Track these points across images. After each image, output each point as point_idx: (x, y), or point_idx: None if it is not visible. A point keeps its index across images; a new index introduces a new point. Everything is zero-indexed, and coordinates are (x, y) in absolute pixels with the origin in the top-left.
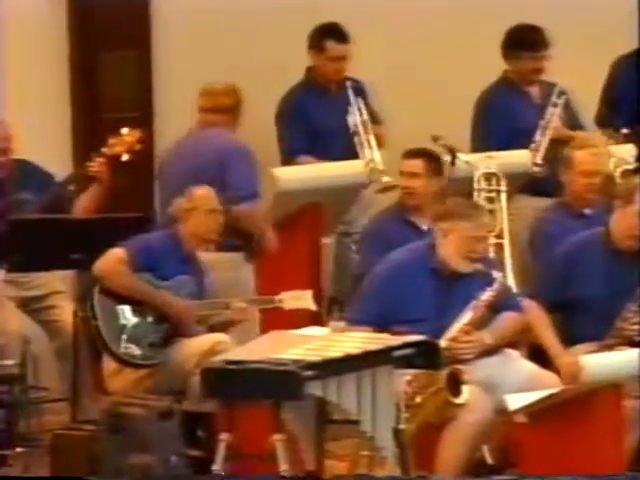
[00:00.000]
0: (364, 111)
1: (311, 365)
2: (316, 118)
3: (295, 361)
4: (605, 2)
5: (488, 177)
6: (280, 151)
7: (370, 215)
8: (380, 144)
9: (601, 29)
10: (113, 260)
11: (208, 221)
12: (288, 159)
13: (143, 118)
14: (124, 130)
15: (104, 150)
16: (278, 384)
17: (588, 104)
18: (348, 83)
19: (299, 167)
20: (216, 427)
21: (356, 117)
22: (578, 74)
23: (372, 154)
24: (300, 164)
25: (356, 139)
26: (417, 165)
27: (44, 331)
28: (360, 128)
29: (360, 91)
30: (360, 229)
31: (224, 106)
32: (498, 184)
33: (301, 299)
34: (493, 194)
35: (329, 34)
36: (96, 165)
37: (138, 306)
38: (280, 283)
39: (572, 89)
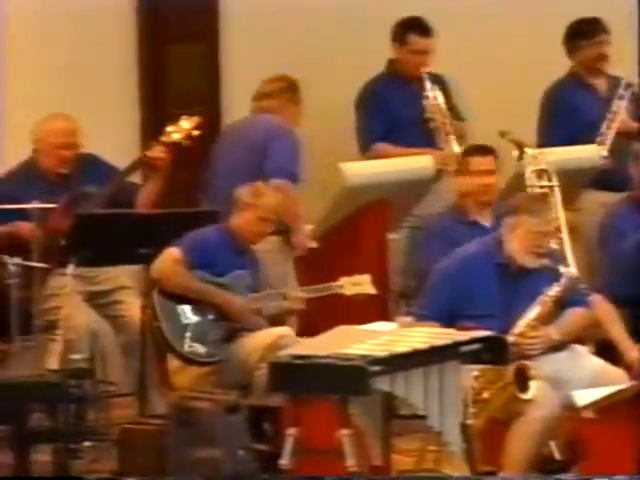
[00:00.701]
0: (440, 99)
1: (378, 360)
2: (395, 108)
3: (362, 356)
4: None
5: (539, 174)
6: (358, 139)
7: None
8: (461, 141)
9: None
10: (169, 261)
11: (257, 225)
12: (365, 147)
13: (211, 113)
14: (183, 117)
15: (163, 138)
16: (345, 379)
17: None
18: (425, 74)
19: (366, 162)
20: (283, 421)
21: (430, 103)
22: None
23: (449, 142)
24: (377, 152)
25: (431, 126)
26: (492, 162)
27: (111, 326)
28: (436, 115)
29: (439, 82)
30: None
31: (269, 91)
32: (549, 180)
33: (360, 284)
34: (546, 190)
35: (412, 27)
36: (154, 152)
37: (198, 304)
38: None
39: None
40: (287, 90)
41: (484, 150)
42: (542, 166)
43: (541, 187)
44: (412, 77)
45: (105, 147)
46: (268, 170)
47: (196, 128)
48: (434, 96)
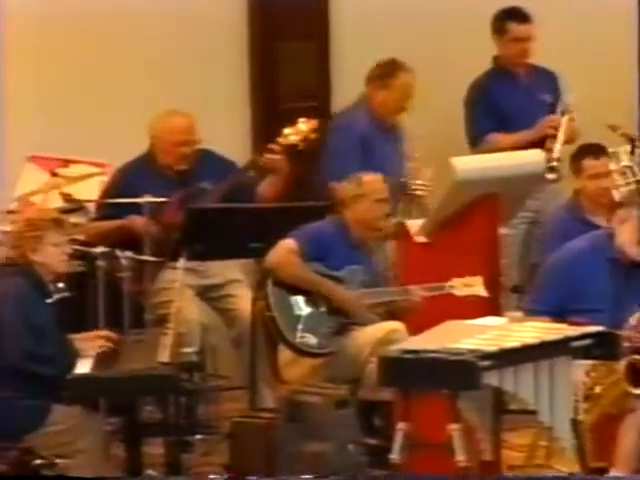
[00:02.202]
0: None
1: (488, 355)
2: (503, 102)
3: (472, 351)
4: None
5: (622, 171)
6: (467, 135)
7: (556, 204)
8: (571, 138)
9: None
10: (284, 252)
11: (376, 209)
12: (474, 142)
13: (321, 108)
14: (300, 120)
15: (280, 140)
16: (455, 374)
17: None
18: (536, 71)
19: (477, 156)
20: (393, 416)
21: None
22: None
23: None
24: (487, 144)
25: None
26: (605, 163)
27: (221, 319)
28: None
29: (550, 78)
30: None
31: (366, 78)
32: (634, 175)
33: (472, 285)
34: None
35: (510, 16)
36: (271, 155)
37: (311, 296)
38: (455, 273)
39: None
40: (376, 77)
41: (596, 151)
42: (624, 162)
43: (627, 184)
44: (517, 70)
45: (216, 143)
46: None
47: (314, 131)
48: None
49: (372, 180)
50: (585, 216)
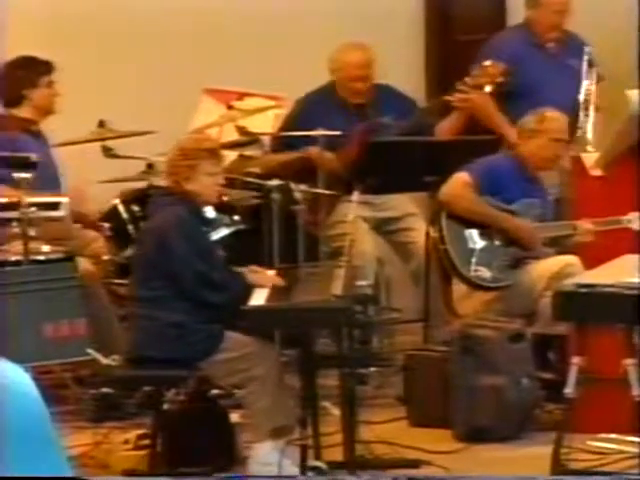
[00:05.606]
0: None
1: None
2: None
3: None
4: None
5: None
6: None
7: None
8: None
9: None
10: (458, 185)
11: (552, 148)
12: None
13: None
14: (487, 62)
15: (467, 80)
16: (631, 308)
17: None
18: None
19: None
20: (568, 350)
21: None
22: None
23: None
24: None
25: None
26: None
27: (397, 253)
28: None
29: None
30: None
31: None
32: None
33: None
34: None
35: None
36: (460, 96)
37: (485, 229)
38: (631, 207)
39: None
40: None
41: None
42: None
43: None
44: None
45: (391, 74)
46: None
47: (501, 75)
48: None
49: (554, 117)
50: None
